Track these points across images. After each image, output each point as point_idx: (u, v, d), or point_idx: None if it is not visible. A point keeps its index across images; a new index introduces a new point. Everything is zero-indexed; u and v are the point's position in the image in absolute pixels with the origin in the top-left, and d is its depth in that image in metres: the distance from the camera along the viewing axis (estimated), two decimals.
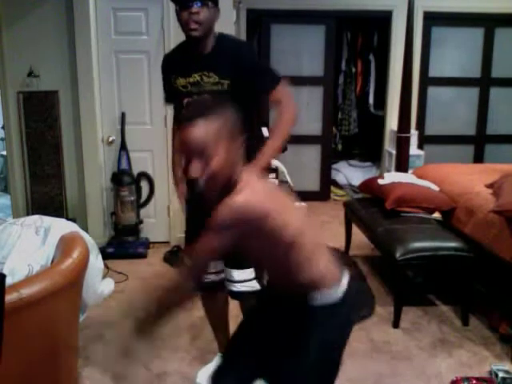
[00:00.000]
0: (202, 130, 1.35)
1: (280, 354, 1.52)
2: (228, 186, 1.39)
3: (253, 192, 1.38)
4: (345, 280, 1.52)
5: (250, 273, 2.23)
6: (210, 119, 1.36)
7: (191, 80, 2.12)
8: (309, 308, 1.47)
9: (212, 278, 2.31)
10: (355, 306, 1.55)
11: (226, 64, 2.09)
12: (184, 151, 1.40)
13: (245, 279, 2.22)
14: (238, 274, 2.21)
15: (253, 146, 2.16)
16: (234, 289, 2.23)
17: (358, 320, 3.07)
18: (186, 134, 1.37)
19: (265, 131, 3.63)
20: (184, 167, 1.41)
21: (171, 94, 2.28)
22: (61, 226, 2.21)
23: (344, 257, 4.03)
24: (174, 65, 2.22)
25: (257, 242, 1.40)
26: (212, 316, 2.50)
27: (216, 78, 2.09)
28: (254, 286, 2.25)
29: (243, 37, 5.27)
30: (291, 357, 1.49)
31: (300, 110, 5.62)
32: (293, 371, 1.50)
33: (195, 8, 2.01)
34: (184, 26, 2.06)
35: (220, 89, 2.09)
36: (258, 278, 2.26)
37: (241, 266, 2.21)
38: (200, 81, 2.10)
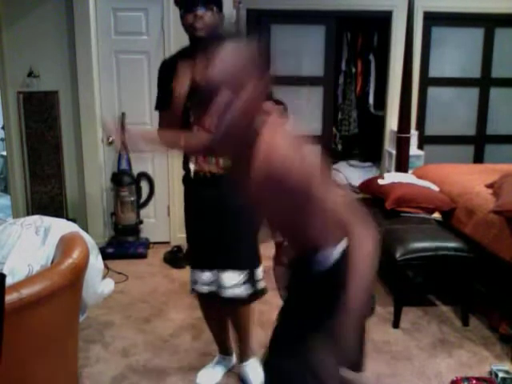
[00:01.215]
0: (234, 53, 1.17)
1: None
2: (250, 131, 1.22)
3: (287, 140, 1.23)
4: (342, 245, 1.40)
5: (240, 276, 2.21)
6: (242, 44, 1.19)
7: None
8: (311, 272, 1.39)
9: (206, 288, 2.30)
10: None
11: None
12: (207, 80, 1.18)
13: (235, 284, 2.20)
14: (228, 280, 2.20)
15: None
16: (224, 295, 2.22)
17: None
18: (211, 67, 1.17)
19: None
20: (204, 105, 1.20)
21: (165, 101, 2.20)
22: (61, 226, 2.21)
23: None
24: (176, 69, 2.20)
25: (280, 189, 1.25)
26: (211, 323, 2.51)
27: None
28: (243, 292, 2.22)
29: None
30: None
31: (299, 109, 5.63)
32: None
33: (200, 12, 2.02)
34: (188, 28, 2.07)
35: None
36: (249, 281, 2.23)
37: (231, 266, 2.19)
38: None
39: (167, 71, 2.21)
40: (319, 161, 1.34)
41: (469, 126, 5.76)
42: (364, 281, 1.21)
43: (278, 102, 3.17)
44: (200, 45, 2.05)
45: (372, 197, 3.82)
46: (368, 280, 1.22)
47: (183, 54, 2.21)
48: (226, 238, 2.21)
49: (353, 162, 6.42)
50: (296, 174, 1.20)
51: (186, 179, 2.30)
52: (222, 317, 2.48)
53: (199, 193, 2.25)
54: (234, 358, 2.61)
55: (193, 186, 2.28)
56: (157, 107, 2.28)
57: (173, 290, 3.45)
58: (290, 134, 1.28)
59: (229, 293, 2.21)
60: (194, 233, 2.33)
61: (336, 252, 1.39)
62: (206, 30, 2.05)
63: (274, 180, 1.21)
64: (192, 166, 2.22)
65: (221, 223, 2.20)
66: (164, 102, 2.21)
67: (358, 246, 1.22)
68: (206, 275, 2.28)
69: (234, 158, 1.37)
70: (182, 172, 2.33)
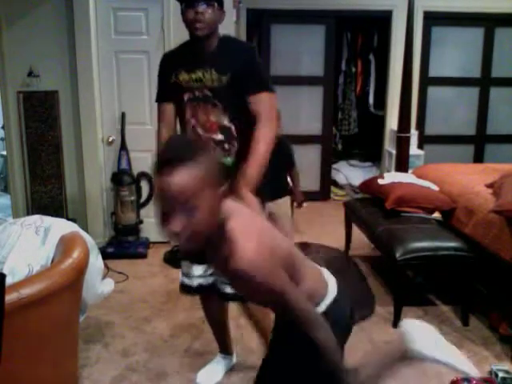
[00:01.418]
0: (185, 175, 1.15)
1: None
2: (215, 233, 1.24)
3: (252, 243, 1.23)
4: (328, 299, 1.45)
5: None
6: (192, 165, 1.16)
7: (194, 76, 2.13)
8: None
9: (200, 281, 2.30)
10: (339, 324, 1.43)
11: (226, 61, 2.10)
12: (161, 203, 1.19)
13: None
14: None
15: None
16: (224, 290, 2.21)
17: (358, 320, 3.07)
18: (165, 183, 1.15)
19: None
20: (161, 220, 1.20)
21: (165, 93, 2.27)
22: (61, 226, 2.21)
23: (344, 257, 4.03)
24: (178, 61, 2.22)
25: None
26: (211, 317, 2.50)
27: (216, 74, 2.11)
28: None
29: (243, 37, 5.28)
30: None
31: (299, 110, 5.64)
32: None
33: (201, 8, 2.03)
34: (189, 25, 2.08)
35: (219, 85, 2.11)
36: None
37: None
38: (202, 77, 2.12)
39: (168, 64, 2.26)
40: (285, 241, 1.39)
41: (469, 126, 5.77)
42: None
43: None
44: (202, 41, 2.09)
45: (372, 197, 3.82)
46: None
47: (184, 49, 2.24)
48: None
49: (353, 161, 6.43)
50: (262, 275, 1.23)
51: None
52: (222, 315, 2.49)
53: None
54: (235, 358, 2.61)
55: None
56: (157, 99, 2.33)
57: (173, 290, 3.45)
58: (253, 226, 1.31)
59: (230, 289, 2.21)
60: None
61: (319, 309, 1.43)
62: (207, 28, 2.06)
63: (242, 282, 1.25)
64: None
65: None
66: (164, 94, 2.28)
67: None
68: (200, 268, 2.27)
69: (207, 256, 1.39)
70: None
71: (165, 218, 1.19)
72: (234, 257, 1.20)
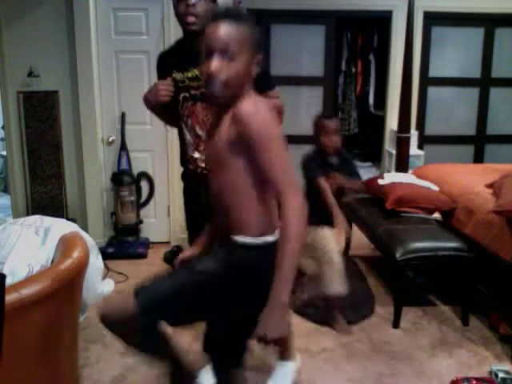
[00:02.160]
0: (234, 29, 1.41)
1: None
2: (234, 98, 1.44)
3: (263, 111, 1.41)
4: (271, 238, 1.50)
5: None
6: (241, 25, 1.43)
7: (189, 75, 2.11)
8: (233, 245, 1.51)
9: None
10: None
11: None
12: (208, 46, 1.42)
13: None
14: None
15: None
16: None
17: (357, 320, 3.07)
18: (218, 28, 1.41)
19: None
20: (202, 65, 1.45)
21: None
22: (61, 226, 2.21)
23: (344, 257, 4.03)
24: (171, 60, 2.20)
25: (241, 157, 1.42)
26: None
27: None
28: None
29: None
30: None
31: (299, 110, 5.64)
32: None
33: (192, 0, 2.01)
34: (181, 19, 2.06)
35: None
36: None
37: None
38: (199, 75, 2.07)
39: (165, 63, 2.24)
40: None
41: (469, 126, 5.76)
42: (294, 258, 1.38)
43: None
44: (195, 38, 2.07)
45: (372, 197, 3.82)
46: (296, 259, 1.38)
47: (178, 47, 2.22)
48: None
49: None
50: (266, 137, 1.38)
51: (184, 176, 2.31)
52: None
53: (196, 190, 2.25)
54: None
55: (190, 182, 2.29)
56: None
57: None
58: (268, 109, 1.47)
59: None
60: (193, 230, 2.32)
61: (269, 239, 1.50)
62: (199, 21, 2.03)
63: (244, 138, 1.39)
64: (191, 163, 2.22)
65: None
66: None
67: (291, 217, 1.37)
68: None
69: (214, 116, 1.57)
70: (180, 170, 2.34)
71: (207, 61, 1.42)
72: (256, 116, 1.39)
